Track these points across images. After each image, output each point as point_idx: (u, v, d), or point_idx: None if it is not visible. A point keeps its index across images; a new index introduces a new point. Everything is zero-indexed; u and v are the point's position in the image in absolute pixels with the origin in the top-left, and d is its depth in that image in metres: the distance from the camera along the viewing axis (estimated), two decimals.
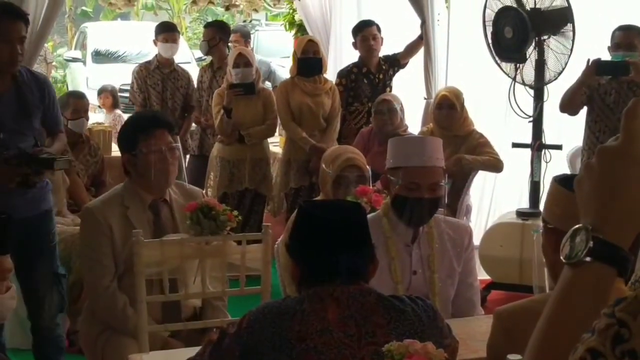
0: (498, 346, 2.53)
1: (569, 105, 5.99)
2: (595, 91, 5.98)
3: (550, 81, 6.10)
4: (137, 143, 3.79)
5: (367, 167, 4.37)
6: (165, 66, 7.78)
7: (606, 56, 5.97)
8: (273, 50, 16.26)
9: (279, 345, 2.29)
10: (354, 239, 2.44)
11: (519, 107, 6.09)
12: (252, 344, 2.31)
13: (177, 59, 8.09)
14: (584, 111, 6.11)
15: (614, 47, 5.98)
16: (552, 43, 6.04)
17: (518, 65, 6.13)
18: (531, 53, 6.06)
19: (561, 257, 1.29)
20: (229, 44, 7.95)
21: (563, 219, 2.40)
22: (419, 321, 2.39)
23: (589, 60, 5.80)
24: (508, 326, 2.51)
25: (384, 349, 2.03)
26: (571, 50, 5.96)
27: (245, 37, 8.91)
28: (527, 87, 6.15)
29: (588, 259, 1.25)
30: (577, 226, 1.28)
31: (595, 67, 5.77)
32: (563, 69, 6.02)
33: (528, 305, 2.57)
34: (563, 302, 1.27)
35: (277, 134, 7.63)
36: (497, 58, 6.15)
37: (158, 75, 7.75)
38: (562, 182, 2.48)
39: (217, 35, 7.71)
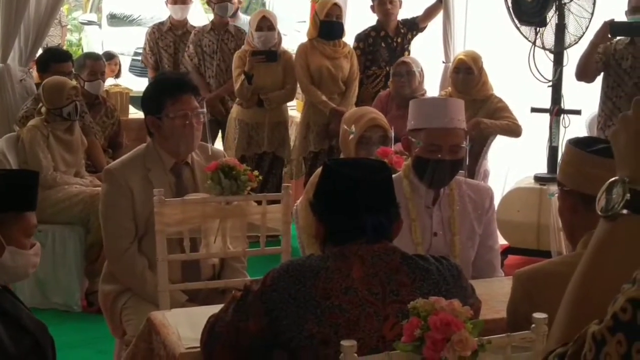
0: (518, 307, 2.54)
1: (584, 72, 5.94)
2: (612, 57, 5.92)
3: (570, 45, 6.03)
4: (163, 107, 3.76)
5: (390, 127, 4.33)
6: (178, 28, 7.66)
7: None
8: (288, 15, 16.12)
9: (303, 303, 2.28)
10: (379, 197, 2.42)
11: (538, 71, 6.03)
12: (276, 301, 2.30)
13: (193, 23, 7.94)
14: (600, 77, 6.06)
15: (631, 10, 5.93)
16: (573, 6, 5.96)
17: (538, 29, 6.06)
18: (552, 17, 5.99)
19: (597, 211, 1.27)
20: None
21: (578, 180, 2.45)
22: (443, 280, 2.38)
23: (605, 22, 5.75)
24: (528, 288, 2.52)
25: (410, 306, 2.02)
26: (592, 14, 5.90)
27: None
28: (546, 52, 6.09)
29: (625, 211, 1.22)
30: (613, 179, 1.25)
31: (610, 28, 5.71)
32: (584, 33, 5.95)
33: (547, 267, 2.59)
34: (599, 255, 1.25)
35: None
36: (516, 22, 6.09)
37: (170, 37, 7.64)
38: (577, 144, 2.52)
39: None
